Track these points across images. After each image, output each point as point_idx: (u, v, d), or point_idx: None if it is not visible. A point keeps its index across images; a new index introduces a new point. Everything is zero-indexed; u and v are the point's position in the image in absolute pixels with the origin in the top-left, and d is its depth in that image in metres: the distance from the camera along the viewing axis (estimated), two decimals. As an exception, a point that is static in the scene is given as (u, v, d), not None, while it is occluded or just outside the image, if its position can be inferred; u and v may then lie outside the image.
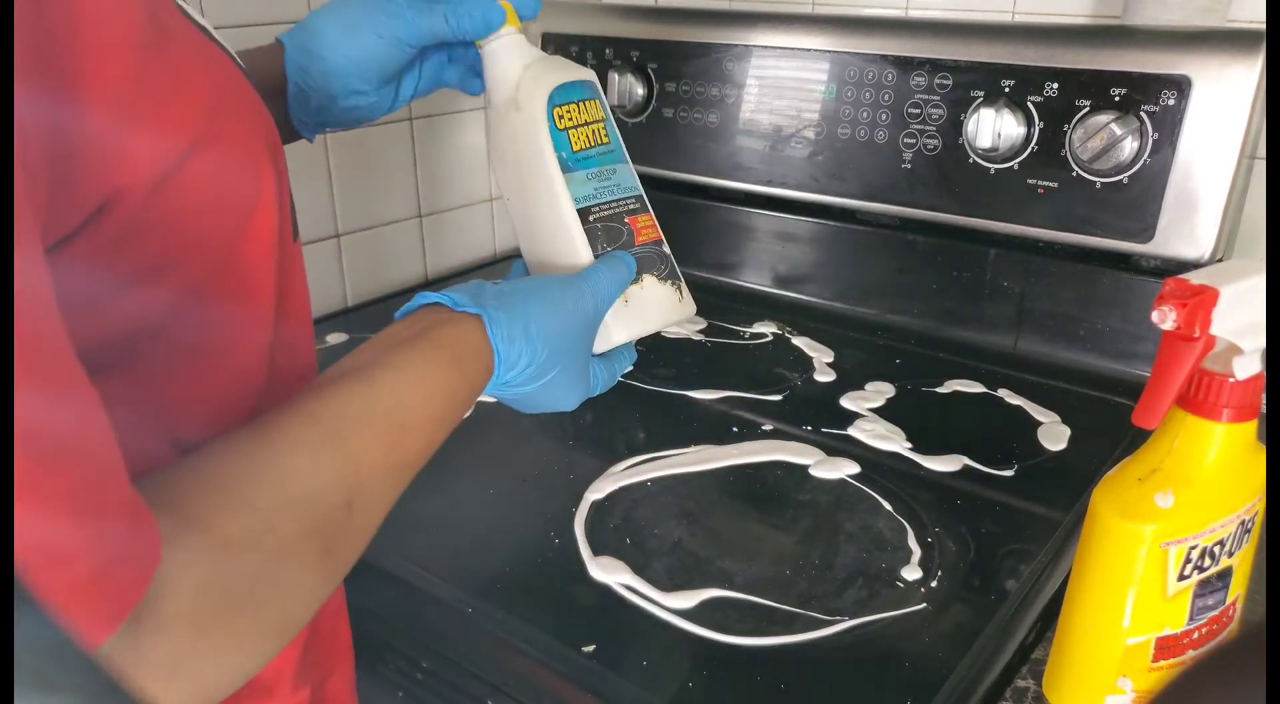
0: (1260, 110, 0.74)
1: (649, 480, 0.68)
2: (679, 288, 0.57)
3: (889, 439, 0.73)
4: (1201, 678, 0.31)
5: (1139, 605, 0.46)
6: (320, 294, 1.02)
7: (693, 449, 0.72)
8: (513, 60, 0.55)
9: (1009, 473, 0.69)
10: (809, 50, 0.92)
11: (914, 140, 0.87)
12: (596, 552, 0.60)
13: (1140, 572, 0.45)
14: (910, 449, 0.72)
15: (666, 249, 0.57)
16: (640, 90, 1.02)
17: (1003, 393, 0.81)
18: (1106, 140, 0.76)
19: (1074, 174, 0.79)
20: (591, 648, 0.52)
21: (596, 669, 0.51)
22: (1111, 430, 0.74)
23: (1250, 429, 0.45)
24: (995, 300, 0.88)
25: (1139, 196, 0.77)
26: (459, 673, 0.57)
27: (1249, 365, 0.43)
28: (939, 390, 0.82)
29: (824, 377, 0.85)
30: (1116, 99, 0.76)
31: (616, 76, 1.02)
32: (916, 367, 0.86)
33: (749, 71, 0.96)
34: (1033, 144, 0.80)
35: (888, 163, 0.89)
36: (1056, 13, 0.91)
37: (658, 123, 1.02)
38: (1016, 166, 0.82)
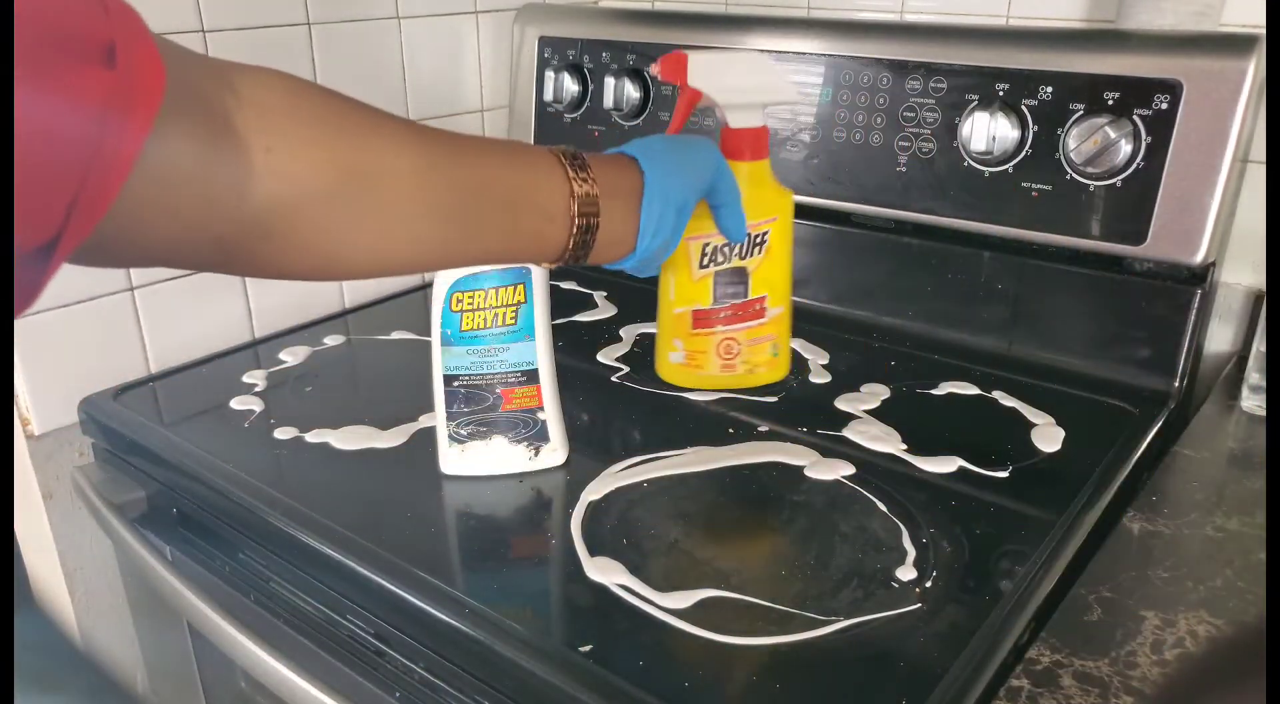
0: (1253, 113, 0.74)
1: (645, 481, 0.69)
2: (536, 447, 0.70)
3: (884, 440, 0.73)
4: (1201, 678, 0.32)
5: (679, 286, 0.65)
6: (318, 296, 1.02)
7: (689, 450, 0.73)
8: None
9: (1003, 474, 0.69)
10: (804, 54, 0.92)
11: (909, 143, 0.87)
12: (593, 552, 0.61)
13: (675, 259, 0.63)
14: (905, 450, 0.72)
15: (542, 415, 0.69)
16: (636, 94, 1.02)
17: (997, 395, 0.81)
18: (1100, 143, 0.76)
19: (1068, 177, 0.79)
20: (588, 648, 0.52)
21: (593, 669, 0.51)
22: (1105, 432, 0.75)
23: (763, 167, 0.64)
24: (989, 303, 0.89)
25: (1132, 200, 0.77)
26: (455, 673, 0.57)
27: (743, 119, 0.63)
28: (934, 392, 0.82)
29: (819, 378, 0.85)
30: (1110, 103, 0.76)
31: (612, 80, 1.03)
32: (911, 369, 0.87)
33: (745, 75, 0.96)
34: (1027, 147, 0.81)
35: (883, 166, 0.89)
36: (1050, 16, 0.92)
37: (654, 126, 1.03)
38: (1010, 170, 0.82)
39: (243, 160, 0.39)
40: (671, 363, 0.69)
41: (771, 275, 0.66)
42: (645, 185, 0.56)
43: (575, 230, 0.53)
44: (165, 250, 0.40)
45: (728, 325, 0.66)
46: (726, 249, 0.64)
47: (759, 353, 0.68)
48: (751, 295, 0.66)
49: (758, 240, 0.64)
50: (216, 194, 0.39)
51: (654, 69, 0.61)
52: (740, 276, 0.65)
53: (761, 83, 0.64)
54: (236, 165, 0.39)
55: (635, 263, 0.58)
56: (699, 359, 0.67)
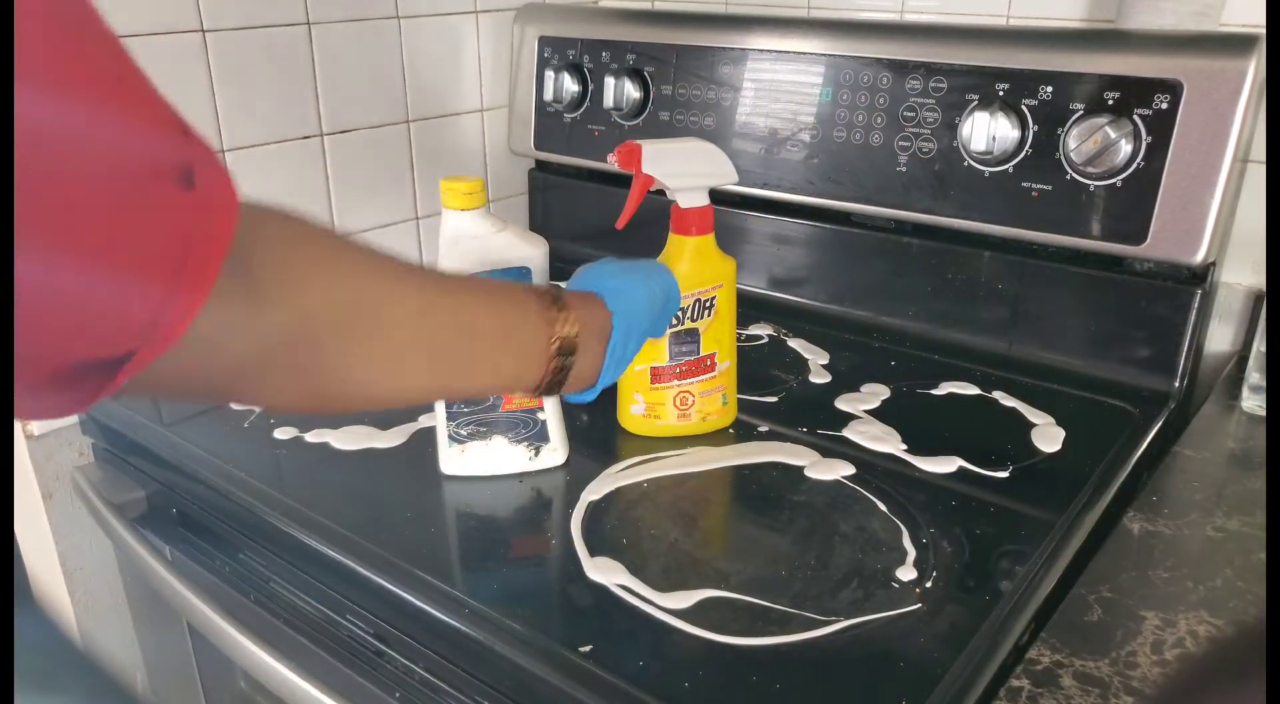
0: (1253, 113, 0.74)
1: (645, 481, 0.69)
2: (536, 448, 0.70)
3: (884, 441, 0.73)
4: (1202, 678, 0.32)
5: None
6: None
7: (689, 450, 0.73)
8: (442, 235, 0.72)
9: (1003, 474, 0.69)
10: (805, 54, 0.92)
11: (909, 143, 0.87)
12: (593, 552, 0.61)
13: None
14: (905, 451, 0.72)
15: (542, 415, 0.70)
16: (636, 94, 1.02)
17: (997, 395, 0.81)
18: (1100, 143, 0.76)
19: (1068, 177, 0.79)
20: (588, 648, 0.52)
21: (593, 669, 0.51)
22: (1105, 432, 0.75)
23: (709, 240, 0.71)
24: (990, 303, 0.89)
25: (1132, 199, 0.77)
26: (455, 673, 0.57)
27: (691, 200, 0.70)
28: (934, 392, 0.82)
29: (819, 378, 0.85)
30: (1110, 102, 0.76)
31: (613, 80, 1.03)
32: (911, 369, 0.87)
33: (745, 75, 0.96)
34: (1027, 147, 0.81)
35: (883, 166, 0.89)
36: (1050, 16, 0.92)
37: (654, 126, 1.03)
38: (1011, 170, 0.82)
39: (255, 292, 0.41)
40: (633, 414, 0.75)
41: (719, 334, 0.73)
42: (614, 324, 0.60)
43: (550, 371, 0.56)
44: (189, 382, 0.41)
45: (682, 380, 0.73)
46: (680, 312, 0.71)
47: (711, 403, 0.75)
48: (703, 352, 0.73)
49: (706, 304, 0.72)
50: (233, 323, 0.40)
51: (610, 158, 0.67)
52: (692, 337, 0.72)
53: (707, 168, 0.70)
54: (249, 295, 0.40)
55: (595, 394, 0.62)
56: (657, 410, 0.74)
